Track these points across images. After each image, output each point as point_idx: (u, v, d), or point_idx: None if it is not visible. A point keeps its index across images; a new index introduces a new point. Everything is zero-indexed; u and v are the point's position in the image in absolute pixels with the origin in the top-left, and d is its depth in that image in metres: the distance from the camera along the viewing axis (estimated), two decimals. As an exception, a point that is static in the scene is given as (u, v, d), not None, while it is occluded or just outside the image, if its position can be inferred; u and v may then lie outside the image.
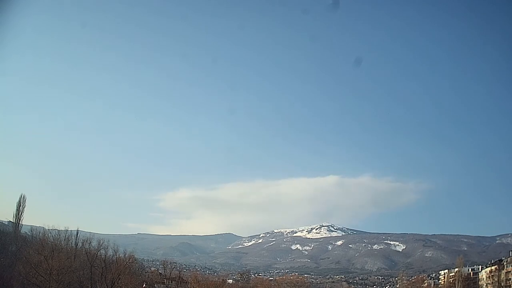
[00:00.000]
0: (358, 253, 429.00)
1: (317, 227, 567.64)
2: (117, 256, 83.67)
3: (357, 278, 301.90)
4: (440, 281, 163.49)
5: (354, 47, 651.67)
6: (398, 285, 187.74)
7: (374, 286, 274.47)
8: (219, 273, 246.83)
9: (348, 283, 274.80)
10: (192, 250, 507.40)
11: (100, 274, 72.00)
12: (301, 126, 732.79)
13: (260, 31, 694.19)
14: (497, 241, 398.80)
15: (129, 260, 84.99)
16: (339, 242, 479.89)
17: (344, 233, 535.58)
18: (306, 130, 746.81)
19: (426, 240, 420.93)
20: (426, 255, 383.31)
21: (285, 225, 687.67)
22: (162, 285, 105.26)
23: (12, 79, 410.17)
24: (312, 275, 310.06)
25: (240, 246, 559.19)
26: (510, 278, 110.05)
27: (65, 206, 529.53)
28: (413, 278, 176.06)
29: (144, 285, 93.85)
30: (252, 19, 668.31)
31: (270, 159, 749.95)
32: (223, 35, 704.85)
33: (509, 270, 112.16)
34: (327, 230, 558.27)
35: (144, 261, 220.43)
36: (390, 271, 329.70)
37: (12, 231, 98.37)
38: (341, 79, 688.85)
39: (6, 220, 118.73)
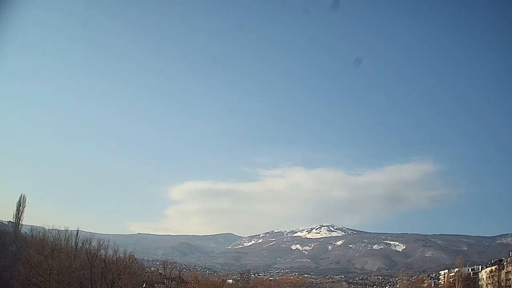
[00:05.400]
0: (358, 253, 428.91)
1: (317, 227, 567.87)
2: (117, 256, 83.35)
3: (357, 278, 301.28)
4: (440, 281, 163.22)
5: (354, 49, 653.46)
6: (398, 285, 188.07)
7: (374, 286, 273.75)
8: (219, 273, 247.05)
9: (348, 283, 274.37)
10: (192, 250, 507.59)
11: (100, 274, 71.84)
12: (301, 127, 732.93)
13: (260, 32, 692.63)
14: (497, 241, 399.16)
15: (129, 260, 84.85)
16: (339, 242, 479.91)
17: (344, 233, 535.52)
18: (306, 131, 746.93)
19: (426, 240, 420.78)
20: (426, 255, 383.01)
21: (285, 225, 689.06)
22: (162, 285, 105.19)
23: (12, 79, 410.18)
24: (312, 275, 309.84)
25: (240, 246, 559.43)
26: (510, 278, 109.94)
27: (65, 206, 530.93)
28: (413, 278, 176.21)
29: (144, 285, 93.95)
30: (252, 20, 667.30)
31: (270, 158, 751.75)
32: (223, 36, 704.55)
33: (509, 270, 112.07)
34: (327, 230, 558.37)
35: (144, 261, 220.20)
36: (390, 271, 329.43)
37: (12, 231, 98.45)
38: (341, 80, 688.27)
39: (6, 220, 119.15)
